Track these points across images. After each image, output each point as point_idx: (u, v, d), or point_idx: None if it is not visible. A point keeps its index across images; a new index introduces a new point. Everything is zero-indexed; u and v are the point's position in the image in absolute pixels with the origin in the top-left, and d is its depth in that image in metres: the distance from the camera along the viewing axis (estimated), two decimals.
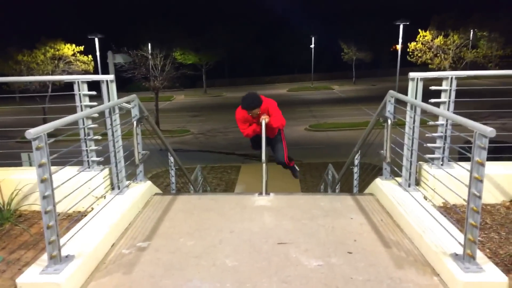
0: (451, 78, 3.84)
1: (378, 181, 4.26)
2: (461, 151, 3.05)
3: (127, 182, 4.16)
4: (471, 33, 30.37)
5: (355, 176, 5.61)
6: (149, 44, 26.98)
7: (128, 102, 4.10)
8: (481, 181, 2.43)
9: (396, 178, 4.13)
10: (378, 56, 48.17)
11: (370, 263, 2.83)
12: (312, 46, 46.69)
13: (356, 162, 5.57)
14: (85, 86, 4.03)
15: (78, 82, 3.97)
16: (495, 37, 31.64)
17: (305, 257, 2.92)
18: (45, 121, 2.60)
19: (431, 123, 3.92)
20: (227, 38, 42.70)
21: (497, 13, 32.83)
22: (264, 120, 4.78)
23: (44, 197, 2.47)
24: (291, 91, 43.03)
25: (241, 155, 17.67)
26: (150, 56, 25.33)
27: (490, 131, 2.32)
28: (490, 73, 4.57)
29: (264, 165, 4.44)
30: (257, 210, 3.89)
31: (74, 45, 24.16)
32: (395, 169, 4.14)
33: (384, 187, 4.04)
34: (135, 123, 4.13)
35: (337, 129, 22.62)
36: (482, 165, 2.42)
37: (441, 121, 3.91)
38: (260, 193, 4.30)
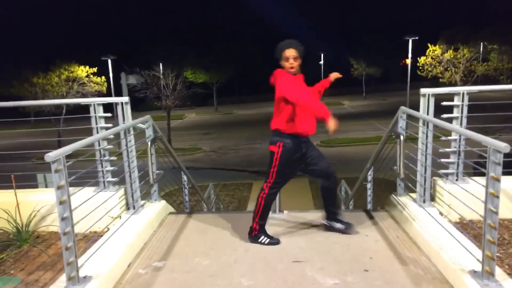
0: (463, 93, 3.84)
1: (392, 197, 4.24)
2: (475, 167, 3.03)
3: (142, 202, 4.20)
4: (481, 46, 30.30)
5: (369, 192, 5.57)
6: (161, 64, 27.43)
7: (143, 123, 4.18)
8: (497, 196, 2.41)
9: (411, 194, 4.10)
10: (388, 71, 48.22)
11: (387, 281, 2.80)
12: (321, 62, 46.95)
13: (369, 178, 5.54)
14: (101, 108, 4.12)
15: (94, 104, 4.06)
16: (505, 50, 31.51)
17: (321, 276, 2.90)
18: (60, 143, 2.67)
19: (444, 138, 3.91)
20: (237, 56, 43.26)
21: (506, 26, 32.76)
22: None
23: (62, 219, 2.51)
24: None
25: (253, 172, 17.68)
26: (161, 76, 25.73)
27: (504, 146, 2.32)
28: (502, 88, 4.55)
29: None
30: (272, 228, 3.88)
31: (87, 67, 24.67)
32: (409, 185, 4.12)
33: (399, 203, 4.01)
34: (149, 143, 4.19)
35: (349, 145, 22.53)
36: (498, 180, 2.40)
37: (454, 136, 3.90)
38: (274, 211, 4.30)
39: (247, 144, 24.87)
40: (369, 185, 5.57)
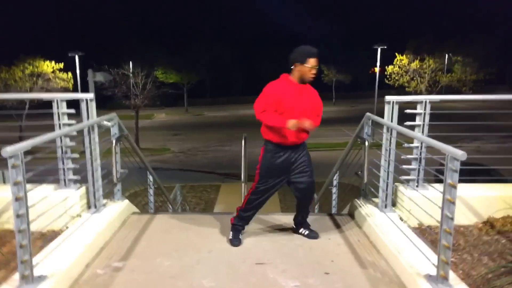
0: (425, 102, 3.96)
1: (356, 201, 4.32)
2: (435, 174, 3.14)
3: (104, 201, 4.10)
4: (446, 57, 31.49)
5: (334, 196, 5.67)
6: (130, 63, 26.93)
7: (108, 121, 4.09)
8: (453, 203, 2.50)
9: (374, 199, 4.19)
10: (357, 78, 49.28)
11: (347, 284, 2.85)
12: (293, 67, 47.41)
13: (334, 182, 5.63)
14: (64, 104, 3.99)
15: (57, 100, 3.94)
16: (469, 62, 32.85)
17: (283, 278, 2.92)
18: (21, 139, 2.57)
19: (406, 145, 4.02)
20: (209, 57, 43.07)
21: (471, 38, 34.18)
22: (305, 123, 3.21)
23: (18, 216, 2.41)
24: None
25: (221, 174, 17.60)
26: (131, 75, 25.25)
27: (461, 154, 2.41)
28: (463, 98, 4.73)
29: (243, 184, 4.45)
30: None
31: (53, 62, 23.88)
32: (372, 190, 4.21)
33: (362, 208, 4.09)
34: (114, 141, 4.10)
35: (317, 149, 22.80)
36: (454, 187, 2.49)
37: (416, 143, 4.02)
38: None
39: (216, 146, 24.75)
40: (334, 190, 5.66)
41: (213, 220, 4.19)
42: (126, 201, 4.32)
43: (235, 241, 3.53)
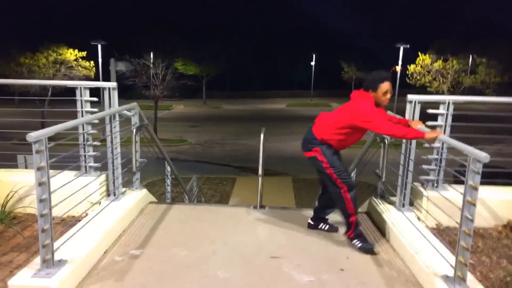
0: (448, 102, 3.90)
1: (373, 200, 4.29)
2: (455, 175, 3.09)
3: (123, 189, 4.16)
4: (470, 58, 30.81)
5: None
6: (151, 53, 27.15)
7: (128, 110, 4.14)
8: (474, 204, 2.46)
9: (391, 198, 4.15)
10: None
11: (362, 281, 2.84)
12: (313, 63, 47.09)
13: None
14: (87, 92, 4.07)
15: (80, 88, 4.01)
16: (493, 64, 32.04)
17: (297, 272, 2.92)
18: (43, 125, 2.63)
19: (426, 145, 3.96)
20: (230, 51, 43.07)
21: (496, 40, 33.33)
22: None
23: (40, 201, 2.48)
24: (289, 106, 43.19)
25: (237, 167, 17.65)
26: (151, 65, 25.47)
27: (484, 156, 2.36)
28: (487, 100, 4.64)
29: (260, 178, 4.46)
30: (252, 223, 3.90)
31: (76, 50, 24.26)
32: (390, 188, 4.17)
33: (379, 206, 4.06)
34: (134, 130, 4.15)
35: None
36: (476, 189, 2.45)
37: (437, 144, 3.96)
38: (255, 206, 4.31)
39: (233, 139, 24.81)
40: None
41: (229, 212, 4.22)
42: (144, 190, 4.38)
43: (369, 244, 3.36)
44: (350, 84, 47.37)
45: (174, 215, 4.03)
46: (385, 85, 3.22)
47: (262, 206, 4.33)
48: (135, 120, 4.24)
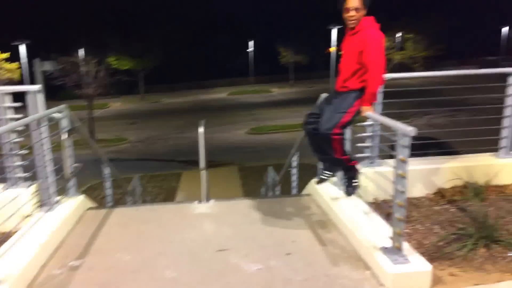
0: None
1: (314, 181, 4.39)
2: (386, 150, 3.24)
3: (58, 198, 3.94)
4: (398, 35, 32.48)
5: (293, 177, 5.74)
6: (81, 50, 25.79)
7: (58, 113, 3.91)
8: (405, 177, 2.60)
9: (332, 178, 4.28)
10: (314, 58, 49.70)
11: (308, 262, 2.92)
12: (251, 50, 47.20)
13: (294, 163, 5.70)
14: (8, 98, 3.78)
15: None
16: (420, 39, 33.98)
17: (245, 262, 2.94)
18: None
19: (360, 124, 4.11)
20: (164, 42, 41.91)
21: (422, 16, 35.35)
22: None
23: None
24: (231, 95, 43.10)
25: (182, 161, 17.39)
26: (80, 63, 24.19)
27: (410, 130, 2.49)
28: (413, 75, 4.91)
29: (202, 172, 4.41)
30: (197, 218, 3.86)
31: None
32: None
33: (320, 186, 4.17)
34: (65, 135, 3.93)
35: (278, 131, 23.01)
36: (405, 162, 2.59)
37: (369, 121, 4.12)
38: (200, 201, 4.27)
39: (176, 133, 24.37)
40: (294, 171, 5.73)
41: (173, 209, 4.15)
42: (82, 197, 4.17)
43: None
44: (288, 68, 48.14)
45: (116, 219, 3.89)
46: (347, 1, 3.04)
47: (207, 200, 4.29)
48: (64, 123, 4.01)
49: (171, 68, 49.43)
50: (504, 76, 4.23)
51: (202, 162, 4.41)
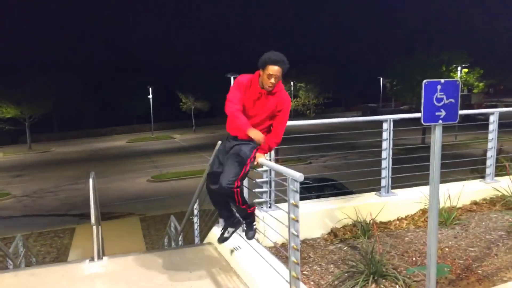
0: None
1: (215, 229, 4.35)
2: (281, 195, 3.36)
3: None
4: (291, 84, 35.01)
5: (195, 226, 5.62)
6: None
7: None
8: (297, 221, 2.70)
9: None
10: (215, 105, 50.77)
11: None
12: (150, 96, 46.51)
13: (195, 211, 5.60)
14: None
15: None
16: (311, 88, 37.05)
17: None
18: None
19: (256, 170, 4.23)
20: (53, 88, 39.37)
21: (311, 67, 38.81)
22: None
23: None
24: (130, 142, 41.62)
25: (75, 215, 16.02)
26: None
27: (299, 176, 2.63)
28: (306, 122, 5.25)
29: (94, 227, 4.11)
30: (88, 279, 3.54)
31: None
32: None
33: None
34: None
35: (180, 178, 22.58)
36: (297, 206, 2.70)
37: (265, 168, 4.26)
38: (92, 259, 3.93)
39: (68, 184, 22.51)
40: (195, 219, 5.62)
41: (59, 272, 3.75)
42: None
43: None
44: (190, 114, 48.34)
45: None
46: (271, 68, 3.11)
47: (100, 257, 3.97)
48: None
49: (63, 116, 46.41)
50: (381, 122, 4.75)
51: (93, 217, 4.11)
